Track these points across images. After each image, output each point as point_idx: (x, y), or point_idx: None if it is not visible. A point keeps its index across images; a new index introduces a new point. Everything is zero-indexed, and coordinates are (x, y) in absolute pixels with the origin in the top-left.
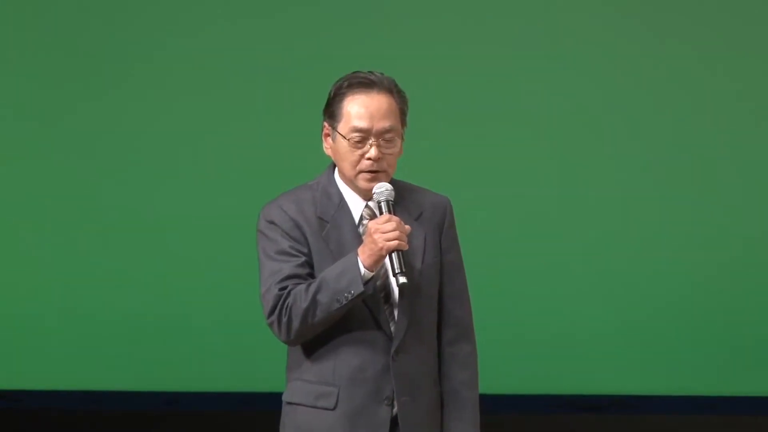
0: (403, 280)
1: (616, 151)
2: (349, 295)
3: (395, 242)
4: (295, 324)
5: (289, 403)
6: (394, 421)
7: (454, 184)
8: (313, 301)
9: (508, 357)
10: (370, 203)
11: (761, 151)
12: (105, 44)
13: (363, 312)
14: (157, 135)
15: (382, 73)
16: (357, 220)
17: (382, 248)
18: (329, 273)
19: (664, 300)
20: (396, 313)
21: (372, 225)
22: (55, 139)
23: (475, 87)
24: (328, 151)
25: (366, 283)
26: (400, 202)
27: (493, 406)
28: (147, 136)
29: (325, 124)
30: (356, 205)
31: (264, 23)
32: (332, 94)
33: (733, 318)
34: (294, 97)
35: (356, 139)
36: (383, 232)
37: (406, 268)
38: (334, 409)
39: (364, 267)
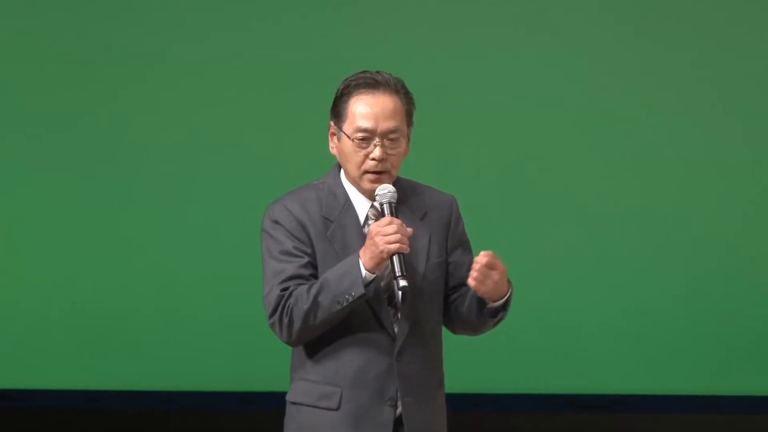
0: (403, 283)
1: (616, 152)
2: (350, 297)
3: (396, 245)
4: (296, 325)
5: (293, 403)
6: (397, 422)
7: (457, 183)
8: (314, 303)
9: (508, 356)
10: (376, 204)
11: (756, 152)
12: (109, 50)
13: (366, 313)
14: (158, 134)
15: (389, 74)
16: (362, 220)
17: (383, 251)
18: (331, 274)
19: (664, 299)
20: (399, 314)
21: (374, 228)
22: (58, 140)
23: (479, 90)
24: (333, 151)
25: (367, 285)
26: (405, 202)
27: (493, 405)
28: (148, 136)
29: (332, 123)
30: (362, 206)
31: (271, 25)
32: (339, 93)
33: (732, 317)
34: (299, 97)
35: (360, 139)
36: (384, 234)
37: (408, 270)
38: (337, 409)
39: (366, 269)
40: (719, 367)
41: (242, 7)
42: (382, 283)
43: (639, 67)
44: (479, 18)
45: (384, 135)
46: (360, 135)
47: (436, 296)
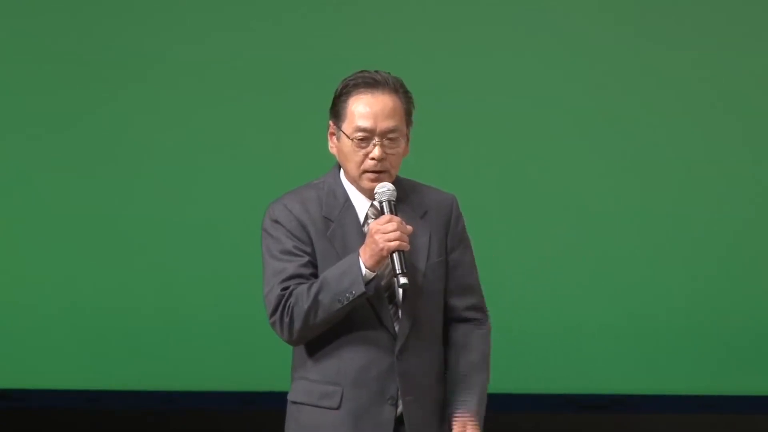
0: (403, 280)
1: (616, 152)
2: (351, 296)
3: (396, 243)
4: (297, 324)
5: (294, 402)
6: (398, 421)
7: (458, 183)
8: (315, 302)
9: (508, 356)
10: (375, 202)
11: (756, 152)
12: (109, 50)
13: (367, 311)
14: (158, 134)
15: (388, 73)
16: (362, 219)
17: (383, 249)
18: (331, 273)
19: (664, 299)
20: (400, 312)
21: (373, 225)
22: (58, 140)
23: (479, 90)
24: (333, 150)
25: (368, 283)
26: (405, 200)
27: (492, 405)
28: (148, 136)
29: (331, 123)
30: (361, 205)
31: (271, 25)
32: (338, 93)
33: (732, 317)
34: (299, 97)
35: (360, 138)
36: (384, 232)
37: (408, 268)
38: (338, 408)
39: (366, 267)
40: (719, 367)
41: (242, 7)
42: (383, 282)
43: (639, 67)
44: (479, 18)
45: (383, 134)
46: (359, 135)
47: (437, 295)
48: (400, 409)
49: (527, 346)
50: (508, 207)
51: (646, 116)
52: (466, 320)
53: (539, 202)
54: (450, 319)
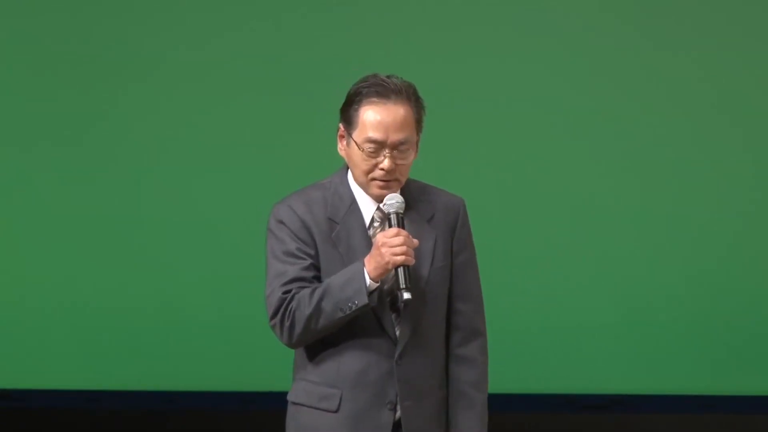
0: (407, 296)
1: (616, 152)
2: (353, 306)
3: (402, 257)
4: (298, 329)
5: (294, 403)
6: (396, 425)
7: (458, 184)
8: (317, 308)
9: (508, 356)
10: (382, 206)
11: (756, 152)
12: (109, 51)
13: (368, 316)
14: (159, 135)
15: (400, 78)
16: (368, 222)
17: (388, 262)
18: (335, 280)
19: (664, 299)
20: (401, 317)
21: (380, 238)
22: (58, 140)
23: (479, 91)
24: (341, 152)
25: (370, 293)
26: (413, 203)
27: (493, 405)
28: (148, 136)
29: (341, 126)
30: (367, 208)
31: (271, 26)
32: (349, 98)
33: (732, 318)
34: (299, 98)
35: (370, 149)
36: (390, 246)
37: (413, 276)
38: (336, 411)
39: (370, 278)
40: (719, 367)
41: (242, 7)
42: (385, 287)
43: (639, 68)
44: (479, 18)
45: (394, 146)
46: (370, 146)
47: (440, 300)
48: (398, 413)
49: (527, 345)
50: (509, 207)
51: (646, 116)
52: (468, 328)
53: (539, 202)
54: (451, 324)
